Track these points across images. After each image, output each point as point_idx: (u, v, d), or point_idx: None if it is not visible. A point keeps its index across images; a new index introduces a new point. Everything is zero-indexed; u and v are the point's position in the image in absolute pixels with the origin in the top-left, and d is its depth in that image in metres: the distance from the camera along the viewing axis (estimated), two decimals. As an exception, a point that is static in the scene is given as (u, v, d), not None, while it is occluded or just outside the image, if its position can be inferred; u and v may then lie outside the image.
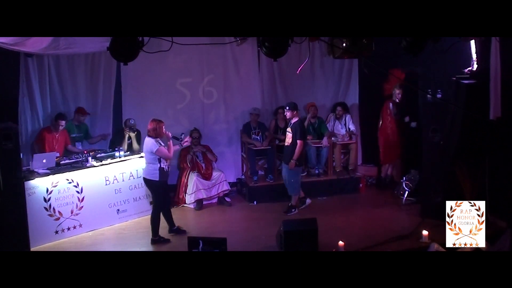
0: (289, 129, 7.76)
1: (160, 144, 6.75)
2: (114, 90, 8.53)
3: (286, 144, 7.80)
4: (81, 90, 8.37)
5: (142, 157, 7.81)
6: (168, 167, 6.93)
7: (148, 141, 6.77)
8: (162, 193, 6.96)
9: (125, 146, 8.04)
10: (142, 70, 8.24)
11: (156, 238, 6.90)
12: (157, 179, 6.79)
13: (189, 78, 8.86)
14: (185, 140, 7.47)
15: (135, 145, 8.18)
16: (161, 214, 6.97)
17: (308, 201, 8.13)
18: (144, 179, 6.99)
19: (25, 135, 7.78)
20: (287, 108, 7.70)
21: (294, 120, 7.67)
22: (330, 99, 9.59)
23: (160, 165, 6.76)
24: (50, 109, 8.08)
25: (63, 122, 7.69)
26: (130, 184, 7.70)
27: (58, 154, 7.53)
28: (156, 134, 6.75)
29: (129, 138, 8.13)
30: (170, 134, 6.97)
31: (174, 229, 7.14)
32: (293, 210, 7.87)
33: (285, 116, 8.00)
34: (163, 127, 6.81)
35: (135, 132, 8.17)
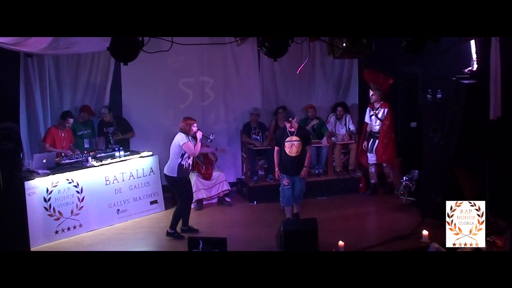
0: (293, 138, 7.01)
1: (189, 140, 6.86)
2: (115, 90, 8.53)
3: (293, 154, 7.00)
4: (81, 90, 8.38)
5: (142, 157, 7.83)
6: (188, 165, 6.98)
7: (178, 135, 6.91)
8: (182, 188, 7.04)
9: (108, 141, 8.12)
10: (142, 70, 8.23)
11: (172, 232, 6.99)
12: (175, 175, 6.87)
13: (189, 78, 8.86)
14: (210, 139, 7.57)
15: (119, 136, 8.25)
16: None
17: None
18: (165, 175, 7.07)
19: (24, 135, 7.77)
20: (291, 119, 7.07)
21: (295, 127, 7.07)
22: (331, 99, 9.59)
23: (181, 161, 6.82)
24: (49, 109, 8.07)
25: (70, 120, 7.77)
26: (130, 184, 7.70)
27: (67, 152, 7.60)
28: (185, 131, 6.88)
29: (109, 125, 8.12)
30: (200, 133, 7.01)
31: (185, 229, 7.16)
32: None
33: (287, 122, 7.15)
34: (194, 125, 6.92)
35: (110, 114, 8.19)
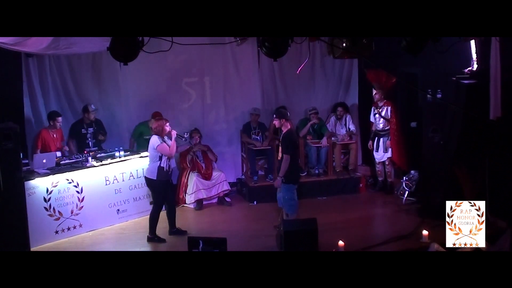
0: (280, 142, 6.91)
1: (163, 141, 6.78)
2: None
3: (279, 159, 6.85)
4: (82, 90, 8.36)
5: (142, 157, 7.83)
6: (169, 167, 6.89)
7: (153, 138, 6.83)
8: (160, 192, 6.93)
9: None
10: (142, 70, 8.23)
11: (151, 237, 6.94)
12: (155, 178, 6.80)
13: (189, 78, 8.86)
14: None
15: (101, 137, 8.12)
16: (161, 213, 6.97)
17: None
18: (145, 177, 7.04)
19: (28, 135, 7.75)
20: (274, 116, 6.97)
21: (284, 130, 6.78)
22: (331, 99, 9.60)
23: (160, 163, 6.77)
24: (52, 109, 8.05)
25: (59, 119, 7.64)
26: (130, 184, 7.70)
27: (59, 154, 7.52)
28: (157, 132, 6.79)
29: (89, 125, 7.94)
30: (175, 133, 6.95)
31: (174, 231, 7.13)
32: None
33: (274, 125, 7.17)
34: (166, 125, 6.84)
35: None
